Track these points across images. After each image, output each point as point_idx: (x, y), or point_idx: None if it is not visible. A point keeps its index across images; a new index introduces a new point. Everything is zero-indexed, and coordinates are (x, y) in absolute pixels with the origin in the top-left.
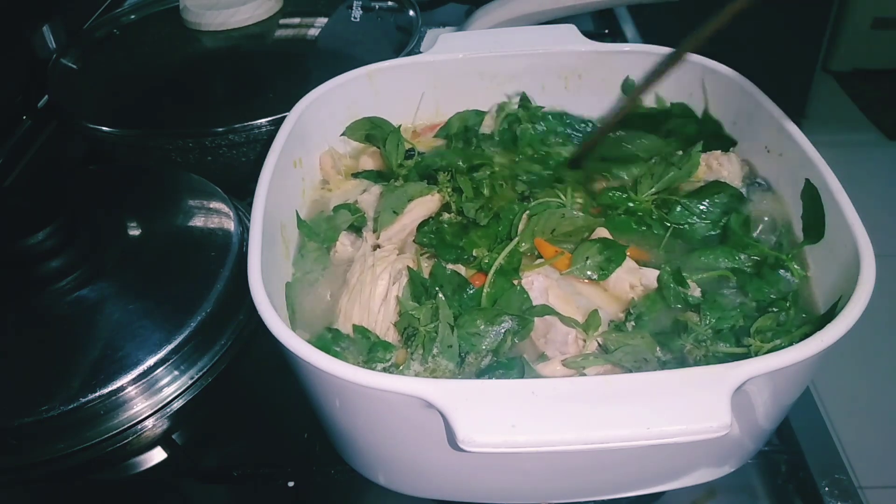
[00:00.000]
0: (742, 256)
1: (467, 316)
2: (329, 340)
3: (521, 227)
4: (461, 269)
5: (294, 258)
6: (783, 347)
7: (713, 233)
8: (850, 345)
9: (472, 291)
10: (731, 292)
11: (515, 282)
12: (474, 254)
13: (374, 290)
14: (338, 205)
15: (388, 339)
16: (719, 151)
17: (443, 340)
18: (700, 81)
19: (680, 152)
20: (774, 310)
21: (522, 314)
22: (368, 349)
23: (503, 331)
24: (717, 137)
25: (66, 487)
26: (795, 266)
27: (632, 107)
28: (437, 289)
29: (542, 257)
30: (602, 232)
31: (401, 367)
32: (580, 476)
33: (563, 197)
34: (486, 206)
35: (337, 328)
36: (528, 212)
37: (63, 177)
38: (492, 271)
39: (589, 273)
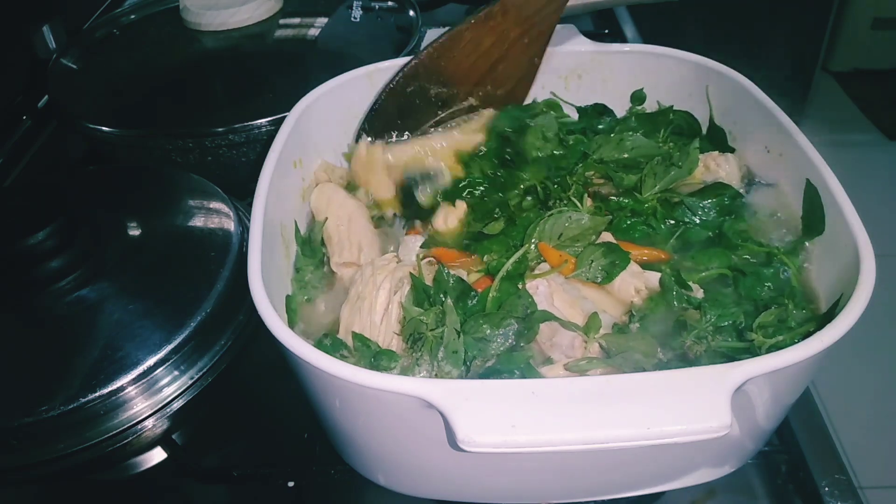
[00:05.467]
0: (734, 257)
1: (473, 321)
2: (327, 348)
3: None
4: (463, 274)
5: (293, 267)
6: (785, 344)
7: (713, 233)
8: (850, 345)
9: (475, 297)
10: (731, 291)
11: (520, 286)
12: (485, 259)
13: (376, 300)
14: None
15: (391, 349)
16: (717, 152)
17: (448, 346)
18: (700, 82)
19: (678, 153)
20: (776, 306)
21: (526, 318)
22: (372, 358)
23: (509, 335)
24: (719, 143)
25: (66, 487)
26: (789, 259)
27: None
28: (441, 295)
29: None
30: (608, 236)
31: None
32: (580, 476)
33: (579, 205)
34: (504, 213)
35: (335, 335)
36: (543, 220)
37: (63, 177)
38: (499, 276)
39: (593, 277)
